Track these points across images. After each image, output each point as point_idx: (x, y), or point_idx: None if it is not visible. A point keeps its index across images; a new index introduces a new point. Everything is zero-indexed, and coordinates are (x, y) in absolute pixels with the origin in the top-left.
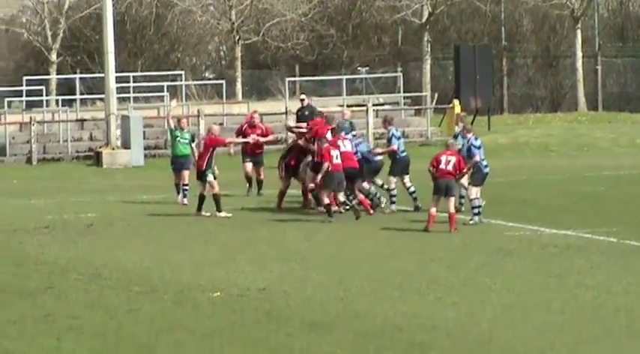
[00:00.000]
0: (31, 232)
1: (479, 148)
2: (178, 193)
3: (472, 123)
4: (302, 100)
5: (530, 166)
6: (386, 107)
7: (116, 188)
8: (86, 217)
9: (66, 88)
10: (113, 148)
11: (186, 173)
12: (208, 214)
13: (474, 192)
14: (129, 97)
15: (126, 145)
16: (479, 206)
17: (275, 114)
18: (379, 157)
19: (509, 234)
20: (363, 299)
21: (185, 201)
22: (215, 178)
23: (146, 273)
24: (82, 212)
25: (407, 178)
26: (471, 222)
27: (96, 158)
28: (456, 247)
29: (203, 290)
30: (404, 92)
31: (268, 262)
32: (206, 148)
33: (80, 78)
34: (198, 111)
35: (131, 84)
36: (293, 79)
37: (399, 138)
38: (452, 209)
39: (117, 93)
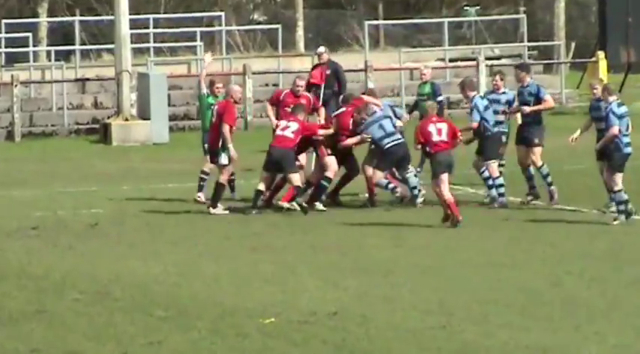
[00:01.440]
0: (13, 234)
1: (620, 117)
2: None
3: (623, 84)
4: (320, 56)
5: None
6: (503, 61)
7: (130, 174)
8: (89, 214)
9: (61, 35)
10: (126, 119)
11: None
12: (227, 211)
13: (618, 181)
14: (148, 48)
15: (144, 114)
16: (625, 201)
17: (351, 71)
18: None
19: None
20: (473, 327)
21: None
22: (230, 162)
23: (172, 291)
24: (84, 207)
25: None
26: (615, 222)
27: (103, 132)
28: (601, 256)
29: (251, 315)
30: (528, 41)
31: (341, 276)
32: (220, 119)
33: (81, 21)
34: (244, 67)
35: (151, 30)
36: (375, 22)
37: (486, 108)
38: (447, 194)
39: (132, 42)
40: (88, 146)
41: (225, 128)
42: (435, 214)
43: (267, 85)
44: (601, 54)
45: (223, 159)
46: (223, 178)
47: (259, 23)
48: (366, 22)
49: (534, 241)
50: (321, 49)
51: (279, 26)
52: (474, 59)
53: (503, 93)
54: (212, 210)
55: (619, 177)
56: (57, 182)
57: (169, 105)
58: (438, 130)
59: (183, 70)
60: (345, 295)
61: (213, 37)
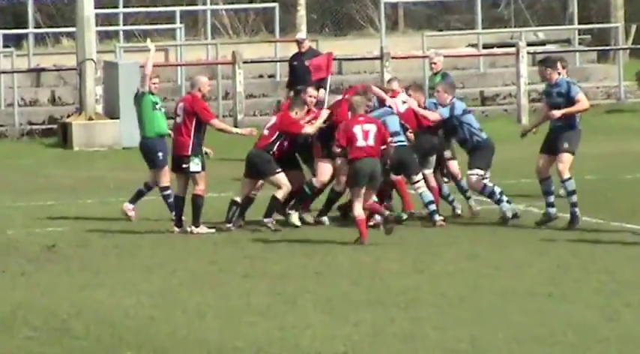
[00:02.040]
0: None
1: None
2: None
3: None
4: (300, 44)
5: None
6: (549, 48)
7: (95, 185)
8: (45, 234)
9: (11, 16)
10: (90, 118)
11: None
12: (213, 230)
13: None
14: (117, 32)
15: (112, 112)
16: None
17: (362, 59)
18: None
19: None
20: None
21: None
22: (204, 169)
23: (146, 327)
24: (39, 225)
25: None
26: None
27: (62, 134)
28: None
29: None
30: (579, 23)
31: (351, 308)
32: (189, 118)
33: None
34: (234, 55)
35: (120, 9)
36: (393, 0)
37: (465, 112)
38: (358, 210)
39: (97, 25)
40: (43, 151)
41: (215, 123)
42: (463, 233)
43: (261, 76)
44: None
45: (194, 166)
46: (200, 189)
47: (252, 1)
48: (382, 0)
49: (586, 266)
50: (301, 35)
51: (276, 5)
52: (513, 45)
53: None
54: (194, 229)
55: None
56: (5, 195)
57: None
58: (365, 133)
59: (160, 58)
60: (355, 333)
61: (196, 18)
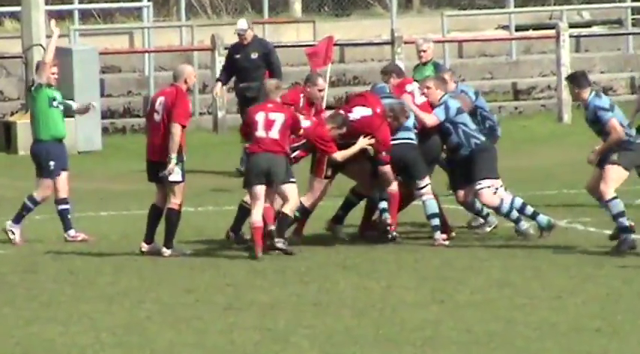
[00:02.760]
0: None
1: None
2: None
3: None
4: (241, 35)
5: None
6: (596, 30)
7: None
8: None
9: None
10: None
11: (64, 175)
12: (189, 252)
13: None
14: (70, 12)
15: (65, 108)
16: None
17: (369, 44)
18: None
19: None
20: None
21: (77, 235)
22: (184, 178)
23: None
24: None
25: None
26: None
27: (4, 135)
28: None
29: None
30: (633, 0)
31: (357, 348)
32: (168, 114)
33: None
34: (213, 39)
35: None
36: None
37: (459, 112)
38: (255, 216)
39: (47, 3)
40: None
41: (177, 129)
42: (492, 256)
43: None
44: None
45: (174, 174)
46: (176, 203)
47: None
48: None
49: None
50: (242, 24)
51: None
52: (552, 27)
53: None
54: (165, 251)
55: None
56: None
57: (103, 95)
58: (268, 123)
59: (124, 42)
60: None
61: None
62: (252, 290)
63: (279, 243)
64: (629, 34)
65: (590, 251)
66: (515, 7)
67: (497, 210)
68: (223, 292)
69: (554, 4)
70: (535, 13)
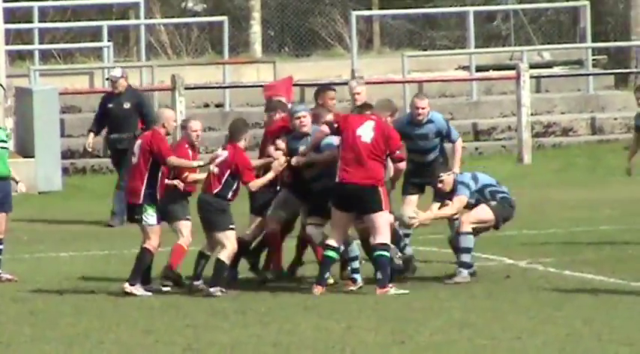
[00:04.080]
0: None
1: None
2: None
3: None
4: (114, 82)
5: None
6: (555, 71)
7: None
8: None
9: None
10: None
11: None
12: (150, 293)
13: None
14: (31, 52)
15: (25, 149)
16: None
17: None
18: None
19: None
20: None
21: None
22: (159, 222)
23: None
24: None
25: None
26: None
27: None
28: None
29: None
30: (594, 41)
31: None
32: (144, 159)
33: None
34: (173, 79)
35: (36, 24)
36: (366, 13)
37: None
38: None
39: (7, 43)
40: None
41: (172, 160)
42: (453, 297)
43: (207, 105)
44: None
45: (149, 217)
46: (151, 245)
47: (196, 15)
48: (354, 13)
49: (601, 336)
50: (117, 72)
51: (224, 19)
52: (512, 68)
53: None
54: (128, 287)
55: None
56: None
57: (63, 135)
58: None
59: (84, 82)
60: None
61: (128, 35)
62: (212, 331)
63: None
64: (590, 74)
65: (549, 292)
66: (475, 47)
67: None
68: (183, 333)
69: (515, 45)
70: (495, 53)
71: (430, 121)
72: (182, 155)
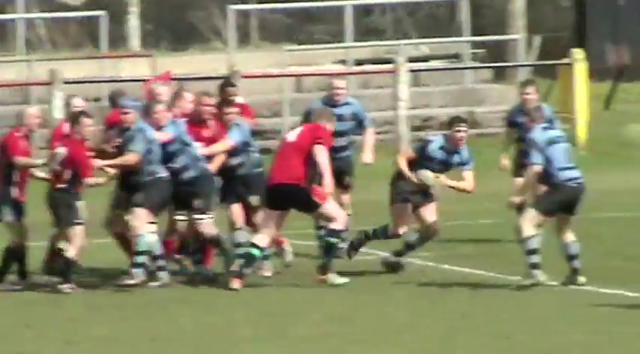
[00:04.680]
0: None
1: (544, 145)
2: None
3: (611, 96)
4: None
5: None
6: (433, 64)
7: None
8: None
9: None
10: None
11: None
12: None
13: (529, 223)
14: None
15: None
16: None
17: (207, 79)
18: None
19: None
20: None
21: None
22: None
23: None
24: None
25: None
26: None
27: None
28: None
29: None
30: (472, 35)
31: None
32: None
33: None
34: (52, 74)
35: None
36: (244, 7)
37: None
38: None
39: None
40: None
41: (20, 160)
42: (333, 291)
43: (86, 99)
44: (579, 53)
45: (4, 215)
46: (16, 241)
47: (74, 9)
48: (231, 7)
49: (479, 330)
50: None
51: (102, 13)
52: (390, 61)
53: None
54: None
55: (536, 217)
56: None
57: None
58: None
59: None
60: None
61: (5, 29)
62: (91, 325)
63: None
64: (468, 68)
65: (428, 286)
66: (353, 41)
67: (215, 240)
68: (62, 327)
69: (393, 39)
70: (373, 47)
71: (347, 103)
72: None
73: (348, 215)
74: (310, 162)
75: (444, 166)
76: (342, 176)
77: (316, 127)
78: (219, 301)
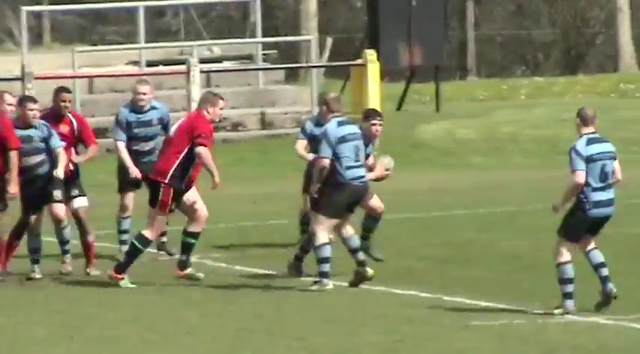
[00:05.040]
0: None
1: (336, 141)
2: None
3: (403, 96)
4: None
5: (519, 183)
6: (225, 65)
7: None
8: None
9: None
10: None
11: None
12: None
13: (322, 228)
14: None
15: None
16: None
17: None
18: None
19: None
20: None
21: None
22: None
23: None
24: None
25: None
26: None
27: None
28: None
29: None
30: (264, 36)
31: None
32: None
33: None
34: None
35: None
36: (36, 8)
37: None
38: None
39: None
40: None
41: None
42: (126, 293)
43: None
44: (371, 54)
45: None
46: None
47: None
48: (24, 9)
49: (272, 331)
50: None
51: None
52: (183, 63)
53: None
54: None
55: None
56: None
57: None
58: None
59: None
60: None
61: None
62: None
63: None
64: (260, 69)
65: (221, 287)
66: (146, 42)
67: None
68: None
69: (185, 40)
70: (166, 48)
71: (154, 108)
72: None
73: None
74: (188, 156)
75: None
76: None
77: (196, 119)
78: (10, 302)
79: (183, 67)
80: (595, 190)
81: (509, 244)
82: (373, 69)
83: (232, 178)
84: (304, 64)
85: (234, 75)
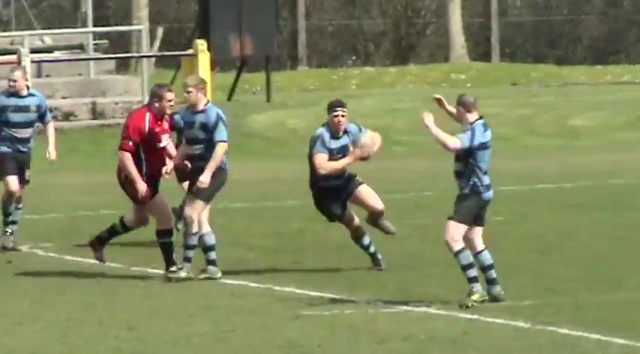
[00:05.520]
0: None
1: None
2: None
3: (234, 87)
4: None
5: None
6: (56, 55)
7: None
8: None
9: None
10: None
11: None
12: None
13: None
14: None
15: None
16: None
17: None
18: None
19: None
20: None
21: None
22: None
23: None
24: None
25: None
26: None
27: None
28: None
29: None
30: (95, 25)
31: None
32: None
33: None
34: None
35: None
36: None
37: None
38: None
39: None
40: None
41: None
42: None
43: None
44: (202, 44)
45: None
46: None
47: None
48: None
49: (102, 321)
50: None
51: None
52: (13, 52)
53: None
54: None
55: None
56: None
57: None
58: None
59: None
60: None
61: None
62: None
63: None
64: (91, 59)
65: (51, 277)
66: None
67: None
68: None
69: (16, 30)
70: None
71: (32, 95)
72: None
73: (18, 209)
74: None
75: (342, 152)
76: (23, 171)
77: (130, 119)
78: None
79: (14, 57)
80: (485, 173)
81: (339, 234)
82: (204, 59)
83: (64, 168)
84: (135, 54)
85: (66, 65)
